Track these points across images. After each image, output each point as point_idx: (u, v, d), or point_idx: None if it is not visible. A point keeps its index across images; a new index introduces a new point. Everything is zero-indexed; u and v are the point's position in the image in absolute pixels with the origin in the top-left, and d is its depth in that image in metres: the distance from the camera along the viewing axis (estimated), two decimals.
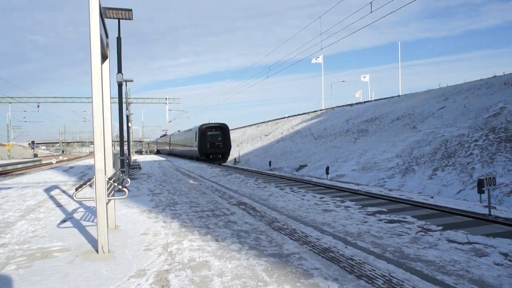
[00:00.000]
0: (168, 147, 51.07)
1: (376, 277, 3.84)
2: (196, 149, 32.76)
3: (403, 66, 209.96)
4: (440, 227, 6.08)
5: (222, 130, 32.85)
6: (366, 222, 6.56)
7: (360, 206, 8.27)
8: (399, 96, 41.00)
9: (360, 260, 4.37)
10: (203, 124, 33.36)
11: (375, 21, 13.52)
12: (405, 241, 5.21)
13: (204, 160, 31.42)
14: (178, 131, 48.08)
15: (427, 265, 4.21)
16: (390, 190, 12.48)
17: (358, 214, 7.29)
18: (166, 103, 47.16)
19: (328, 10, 15.39)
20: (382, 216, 7.09)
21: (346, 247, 4.92)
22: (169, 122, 51.05)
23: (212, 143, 32.27)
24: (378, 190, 12.05)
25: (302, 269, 4.09)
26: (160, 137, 65.74)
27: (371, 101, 46.49)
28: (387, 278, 3.82)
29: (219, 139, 32.61)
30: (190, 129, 37.70)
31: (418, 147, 21.90)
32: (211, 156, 32.03)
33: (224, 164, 32.52)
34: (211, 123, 33.69)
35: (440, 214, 7.81)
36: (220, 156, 32.60)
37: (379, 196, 10.31)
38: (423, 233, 5.68)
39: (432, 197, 11.08)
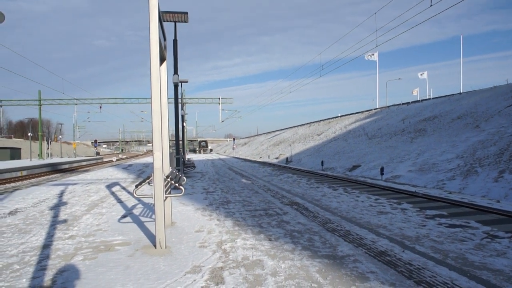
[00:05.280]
0: (198, 147, 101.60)
1: (437, 284, 3.65)
2: (199, 147, 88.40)
3: (466, 62, 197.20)
4: (509, 234, 5.65)
5: (205, 141, 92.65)
6: (424, 225, 6.26)
7: (418, 209, 7.92)
8: (460, 93, 38.69)
9: (419, 266, 4.18)
10: (201, 140, 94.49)
11: (435, 15, 12.82)
12: (469, 248, 4.90)
13: (200, 152, 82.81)
14: (198, 141, 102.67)
15: (495, 274, 3.93)
16: (450, 193, 11.79)
17: (416, 217, 6.99)
18: (219, 103, 48.20)
19: (384, 5, 14.80)
20: (442, 220, 6.73)
21: (403, 251, 4.73)
22: (222, 121, 52.12)
23: (203, 146, 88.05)
24: (437, 193, 11.42)
25: (358, 272, 3.99)
26: (191, 141, 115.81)
27: (429, 99, 44.32)
28: (449, 286, 3.62)
29: (204, 144, 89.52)
30: (198, 141, 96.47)
31: (482, 147, 20.55)
32: (203, 149, 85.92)
33: (276, 163, 33.11)
34: (203, 139, 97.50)
35: (508, 219, 7.24)
36: (208, 150, 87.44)
37: (439, 199, 9.78)
38: (489, 240, 5.32)
39: (498, 201, 10.31)
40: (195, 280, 3.84)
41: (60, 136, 74.03)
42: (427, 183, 17.97)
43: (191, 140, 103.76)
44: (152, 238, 5.52)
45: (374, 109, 50.27)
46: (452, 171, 18.86)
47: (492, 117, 25.06)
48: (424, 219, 6.86)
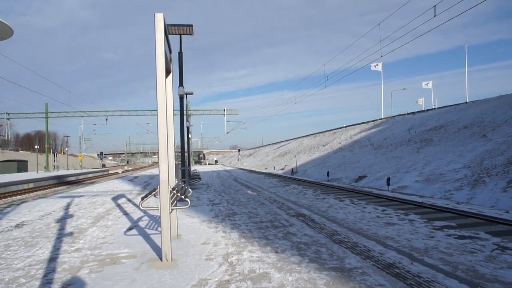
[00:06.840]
0: (197, 158, 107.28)
1: None
2: (197, 158, 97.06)
3: (472, 71, 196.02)
4: None
5: (203, 154, 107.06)
6: (433, 237, 6.19)
7: (425, 220, 7.83)
8: (466, 103, 38.54)
9: (428, 278, 4.11)
10: (199, 152, 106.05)
11: (440, 25, 12.87)
12: (479, 259, 4.82)
13: (200, 163, 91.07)
14: (197, 153, 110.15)
15: (507, 287, 3.85)
16: (457, 203, 11.67)
17: (424, 229, 6.91)
18: (224, 115, 48.31)
19: (388, 16, 14.86)
20: (451, 231, 6.65)
21: (412, 263, 4.66)
22: (227, 133, 52.10)
23: (201, 158, 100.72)
24: (445, 203, 11.30)
25: (366, 285, 3.93)
26: (195, 151, 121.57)
27: (434, 108, 44.14)
28: None
29: (202, 156, 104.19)
30: (197, 152, 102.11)
31: (489, 157, 20.38)
32: (203, 160, 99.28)
33: (281, 174, 33.06)
34: (201, 151, 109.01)
35: None
36: (204, 161, 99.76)
37: (446, 210, 9.68)
38: (499, 251, 5.23)
39: (507, 212, 10.18)
40: None
41: (66, 149, 74.44)
42: (434, 194, 17.80)
43: (196, 152, 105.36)
44: (158, 250, 5.49)
45: (380, 119, 50.16)
46: (459, 181, 18.68)
47: (499, 126, 24.91)
48: (432, 230, 6.77)
